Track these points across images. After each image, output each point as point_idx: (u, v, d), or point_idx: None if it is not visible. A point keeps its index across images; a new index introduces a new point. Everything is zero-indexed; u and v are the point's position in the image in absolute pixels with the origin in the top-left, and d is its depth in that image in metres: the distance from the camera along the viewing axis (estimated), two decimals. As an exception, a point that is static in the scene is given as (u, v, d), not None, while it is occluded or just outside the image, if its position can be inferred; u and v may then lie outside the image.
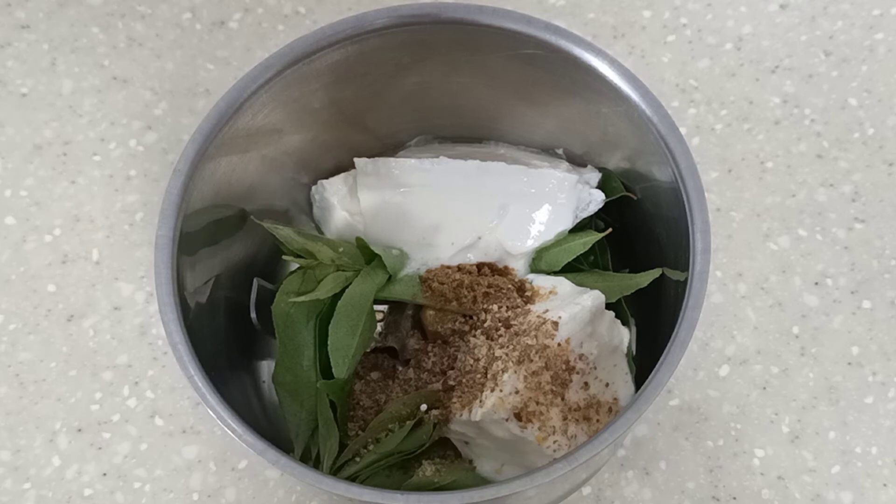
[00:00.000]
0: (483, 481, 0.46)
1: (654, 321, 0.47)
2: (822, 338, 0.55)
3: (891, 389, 0.54)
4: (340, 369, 0.46)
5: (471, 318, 0.48)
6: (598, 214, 0.50)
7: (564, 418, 0.44)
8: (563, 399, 0.44)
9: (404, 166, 0.49)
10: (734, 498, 0.52)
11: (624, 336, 0.47)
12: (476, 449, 0.46)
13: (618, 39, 0.61)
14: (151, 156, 0.59)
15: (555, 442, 0.44)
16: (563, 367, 0.44)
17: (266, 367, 0.52)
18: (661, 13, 0.62)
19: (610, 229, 0.49)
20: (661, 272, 0.46)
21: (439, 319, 0.48)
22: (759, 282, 0.56)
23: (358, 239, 0.48)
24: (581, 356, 0.45)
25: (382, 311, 0.50)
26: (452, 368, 0.46)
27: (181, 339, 0.40)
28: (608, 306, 0.47)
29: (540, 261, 0.49)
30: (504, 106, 0.50)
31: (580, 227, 0.49)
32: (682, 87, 0.60)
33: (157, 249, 0.41)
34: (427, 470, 0.45)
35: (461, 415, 0.44)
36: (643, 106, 0.43)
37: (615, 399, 0.46)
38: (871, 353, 0.54)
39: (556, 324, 0.44)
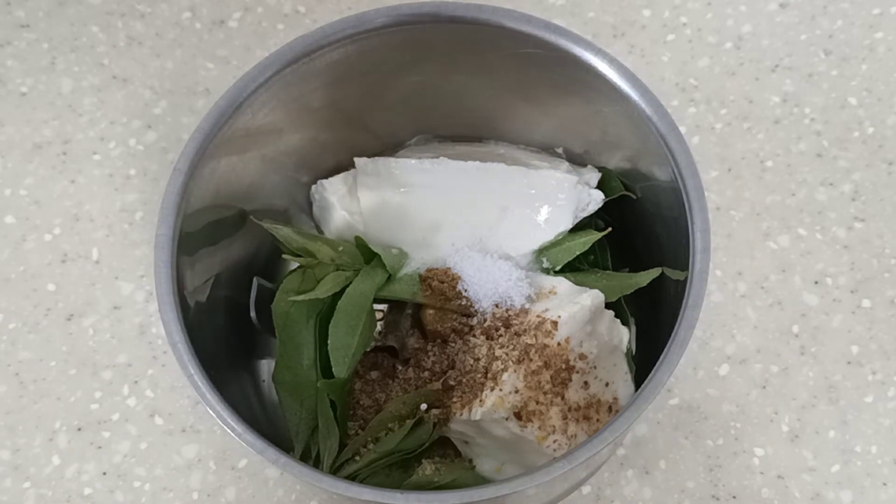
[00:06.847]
0: (483, 480, 0.46)
1: (653, 320, 0.47)
2: (822, 337, 0.55)
3: (890, 388, 0.54)
4: (340, 369, 0.46)
5: (470, 317, 0.48)
6: (597, 214, 0.50)
7: (564, 417, 0.44)
8: (562, 398, 0.44)
9: (404, 166, 0.49)
10: (734, 497, 0.52)
11: (623, 335, 0.47)
12: (476, 448, 0.46)
13: (618, 38, 0.61)
14: (151, 155, 0.59)
15: (555, 441, 0.44)
16: (563, 366, 0.44)
17: (266, 367, 0.52)
18: (660, 12, 0.62)
19: (610, 229, 0.49)
20: (660, 271, 0.46)
21: (439, 319, 0.48)
22: (758, 281, 0.56)
23: (357, 238, 0.48)
24: (581, 355, 0.45)
25: (382, 311, 0.50)
26: (452, 368, 0.46)
27: (181, 339, 0.40)
28: (608, 306, 0.47)
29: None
30: (504, 105, 0.50)
31: (580, 227, 0.49)
32: (681, 87, 0.60)
33: (157, 249, 0.41)
34: (427, 469, 0.45)
35: (461, 414, 0.44)
36: (643, 105, 0.43)
37: (615, 398, 0.46)
38: (870, 351, 0.54)
39: (555, 323, 0.44)
